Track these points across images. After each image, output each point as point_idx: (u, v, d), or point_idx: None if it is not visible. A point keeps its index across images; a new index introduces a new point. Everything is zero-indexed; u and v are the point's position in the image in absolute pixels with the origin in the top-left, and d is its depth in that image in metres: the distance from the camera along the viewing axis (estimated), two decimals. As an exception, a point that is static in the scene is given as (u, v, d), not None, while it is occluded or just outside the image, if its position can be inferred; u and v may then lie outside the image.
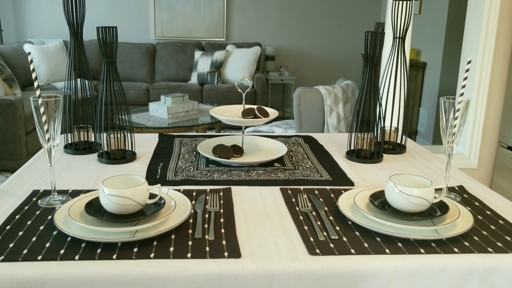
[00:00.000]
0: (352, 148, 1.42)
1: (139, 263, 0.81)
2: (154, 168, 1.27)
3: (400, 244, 0.88)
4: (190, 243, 0.87)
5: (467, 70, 1.06)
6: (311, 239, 0.90)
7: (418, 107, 4.89)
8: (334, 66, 5.99)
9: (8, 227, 0.92)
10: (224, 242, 0.88)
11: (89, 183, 1.17)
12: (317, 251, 0.85)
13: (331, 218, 1.00)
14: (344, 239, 0.90)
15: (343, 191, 1.14)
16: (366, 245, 0.88)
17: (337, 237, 0.91)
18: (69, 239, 0.87)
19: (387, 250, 0.86)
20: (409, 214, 0.94)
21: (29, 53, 1.01)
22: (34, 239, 0.88)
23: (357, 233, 0.93)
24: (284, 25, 5.82)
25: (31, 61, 1.02)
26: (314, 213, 1.02)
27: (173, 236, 0.90)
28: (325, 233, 0.92)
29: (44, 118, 1.00)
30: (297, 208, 1.04)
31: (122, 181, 0.96)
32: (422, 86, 4.78)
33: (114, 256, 0.82)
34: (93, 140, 1.44)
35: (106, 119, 1.30)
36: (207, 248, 0.85)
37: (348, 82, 3.40)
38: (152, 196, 0.96)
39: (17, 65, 4.70)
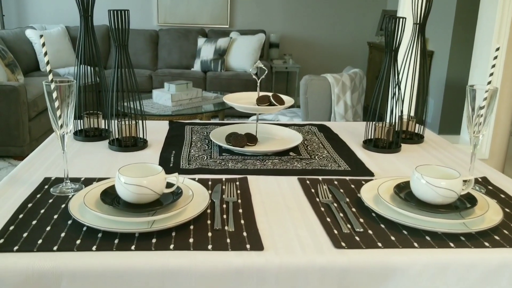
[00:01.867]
0: (370, 137, 1.39)
1: (159, 255, 0.78)
2: (167, 156, 1.24)
3: (428, 238, 0.85)
4: (209, 234, 0.84)
5: (495, 58, 1.02)
6: (335, 231, 0.87)
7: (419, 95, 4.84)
8: (339, 54, 5.93)
9: (20, 216, 0.89)
10: (245, 234, 0.85)
11: (101, 170, 1.13)
12: (343, 244, 0.82)
13: (353, 209, 0.96)
14: (370, 231, 0.87)
15: (363, 182, 1.10)
16: (393, 238, 0.85)
17: (362, 229, 0.87)
18: (85, 228, 0.84)
19: (415, 244, 0.83)
20: (435, 206, 0.91)
21: (41, 36, 0.97)
22: (48, 228, 0.84)
23: (382, 225, 0.90)
24: (289, 12, 5.75)
25: (44, 44, 0.98)
26: (335, 204, 0.98)
27: (191, 227, 0.86)
28: (349, 226, 0.89)
29: (57, 104, 0.96)
30: (317, 199, 1.01)
31: (138, 170, 0.93)
32: (429, 75, 4.72)
33: (133, 247, 0.79)
34: (103, 127, 1.40)
35: (117, 105, 1.26)
36: (228, 240, 0.82)
37: (356, 70, 3.36)
38: (169, 185, 0.92)
39: (19, 50, 4.64)
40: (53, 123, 0.98)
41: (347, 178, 1.13)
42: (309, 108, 3.16)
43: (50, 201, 0.96)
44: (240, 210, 0.94)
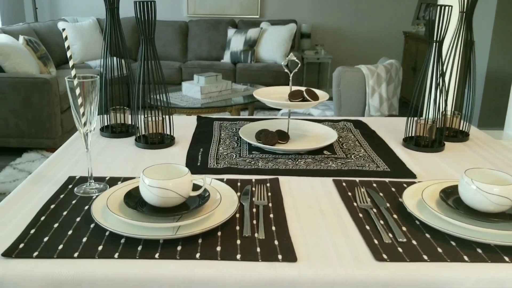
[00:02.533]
0: (410, 134, 1.30)
1: (183, 264, 0.72)
2: (194, 154, 1.18)
3: (479, 250, 0.77)
4: (238, 242, 0.78)
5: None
6: (375, 241, 0.79)
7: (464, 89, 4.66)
8: (373, 44, 5.76)
9: (42, 218, 0.85)
10: (276, 242, 0.78)
11: (127, 169, 1.09)
12: (384, 256, 0.75)
13: (394, 216, 0.89)
14: (414, 242, 0.79)
15: (405, 185, 1.02)
16: (440, 250, 0.77)
17: (405, 239, 0.80)
18: (107, 233, 0.80)
19: (465, 257, 0.75)
20: (486, 215, 0.83)
21: (63, 29, 0.93)
22: (70, 232, 0.80)
23: (427, 235, 0.82)
24: (321, 1, 5.61)
25: (66, 37, 0.93)
26: (374, 210, 0.91)
27: (219, 233, 0.81)
28: (390, 235, 0.82)
29: (80, 101, 0.92)
30: (355, 204, 0.93)
31: (163, 171, 0.88)
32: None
33: (157, 255, 0.74)
34: (129, 122, 1.36)
35: (143, 100, 1.21)
36: (258, 249, 0.76)
37: (391, 61, 3.23)
38: (195, 187, 0.87)
39: (52, 43, 4.69)
40: (76, 121, 0.94)
41: (387, 180, 1.05)
42: (342, 100, 3.06)
43: (74, 202, 0.92)
44: (271, 215, 0.88)
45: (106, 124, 1.34)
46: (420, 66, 4.96)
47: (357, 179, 1.05)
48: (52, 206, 0.90)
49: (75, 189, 0.97)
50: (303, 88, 1.25)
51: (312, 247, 0.78)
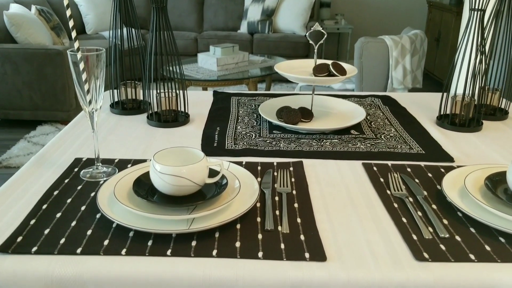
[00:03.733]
0: (445, 112, 1.19)
1: (199, 263, 0.64)
2: (210, 133, 1.09)
3: (536, 251, 0.67)
4: (260, 236, 0.70)
5: None
6: (414, 237, 0.70)
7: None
8: (395, 13, 5.54)
9: (44, 207, 0.77)
10: (302, 238, 0.70)
11: (138, 150, 1.00)
12: (426, 255, 0.66)
13: (434, 206, 0.79)
14: (457, 238, 0.70)
15: (442, 170, 0.92)
16: (488, 248, 0.68)
17: (447, 235, 0.71)
18: (114, 225, 0.72)
19: (520, 259, 0.65)
20: (542, 208, 0.73)
21: (65, -4, 0.83)
22: (73, 223, 0.73)
23: (472, 229, 0.72)
24: (341, -31, 5.38)
25: (68, 5, 0.84)
26: (410, 199, 0.82)
27: (238, 226, 0.72)
28: (430, 229, 0.72)
29: (84, 76, 0.83)
30: (388, 192, 0.84)
31: (176, 155, 0.79)
32: None
33: (169, 252, 0.66)
34: (141, 98, 1.27)
35: (155, 73, 1.12)
36: (282, 245, 0.68)
37: (416, 31, 3.07)
38: (212, 173, 0.78)
39: (65, 13, 4.58)
40: (80, 99, 0.85)
41: (422, 164, 0.95)
42: (364, 73, 2.93)
43: (79, 187, 0.84)
44: (296, 205, 0.79)
45: (116, 100, 1.26)
46: (445, 37, 4.75)
47: (389, 162, 0.96)
48: (56, 193, 0.82)
49: (81, 173, 0.89)
50: (329, 62, 1.15)
51: (343, 244, 0.69)
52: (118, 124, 1.16)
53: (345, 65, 1.15)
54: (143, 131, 1.11)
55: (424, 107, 1.32)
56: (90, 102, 0.85)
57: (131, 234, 0.70)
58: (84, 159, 0.95)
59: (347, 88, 3.14)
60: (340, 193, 0.84)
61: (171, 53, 1.11)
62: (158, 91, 1.13)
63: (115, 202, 0.74)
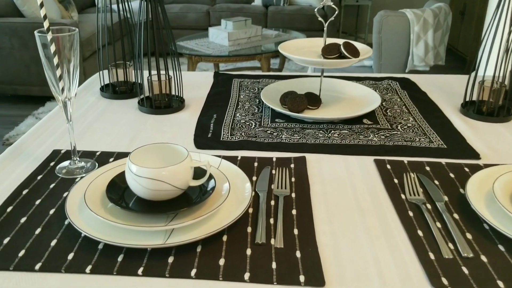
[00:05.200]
0: (471, 98, 1.06)
1: (173, 285, 0.55)
2: (206, 122, 0.99)
3: None
4: (248, 252, 0.60)
5: None
6: (431, 256, 0.59)
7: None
8: (417, -15, 5.27)
9: (9, 209, 0.68)
10: (298, 255, 0.59)
11: (123, 141, 0.91)
12: (444, 281, 0.55)
13: (455, 216, 0.68)
14: (483, 258, 0.59)
15: (466, 168, 0.81)
16: (521, 274, 0.57)
17: (471, 255, 0.59)
18: (83, 234, 0.62)
19: (561, 290, 0.54)
20: None
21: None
22: (38, 231, 0.64)
23: (501, 247, 0.61)
24: None
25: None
26: (428, 205, 0.70)
27: (225, 238, 0.62)
28: (451, 245, 0.61)
29: (55, 61, 0.72)
30: (403, 196, 0.73)
31: (156, 154, 0.69)
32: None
33: (140, 271, 0.57)
34: (134, 80, 1.17)
35: (146, 49, 1.01)
36: (274, 264, 0.58)
37: (440, 4, 2.88)
38: (198, 173, 0.68)
39: (75, -15, 4.47)
40: (52, 87, 0.75)
41: (443, 161, 0.83)
42: (383, 49, 2.76)
43: (52, 186, 0.75)
44: (294, 211, 0.68)
45: (107, 82, 1.16)
46: (470, 10, 4.50)
47: (405, 159, 0.84)
48: (25, 192, 0.73)
49: (57, 168, 0.80)
50: (340, 41, 1.02)
51: (347, 264, 0.58)
52: (107, 110, 1.06)
53: (358, 45, 1.02)
54: (133, 118, 1.01)
55: (447, 91, 1.19)
56: (63, 90, 0.75)
57: (100, 246, 0.61)
58: (63, 151, 0.86)
59: (365, 65, 2.98)
60: (347, 197, 0.73)
61: (166, 26, 0.99)
62: (150, 74, 1.02)
63: (85, 207, 0.65)
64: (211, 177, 0.68)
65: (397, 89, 1.19)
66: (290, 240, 0.62)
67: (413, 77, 1.28)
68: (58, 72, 0.73)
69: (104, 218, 0.60)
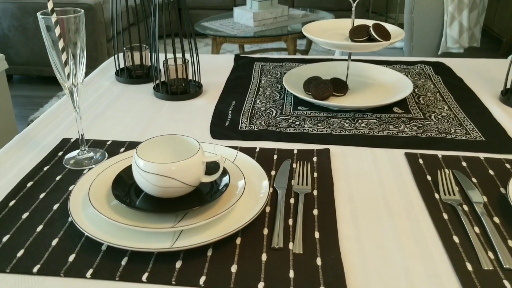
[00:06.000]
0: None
1: (181, 293, 0.50)
2: (223, 109, 0.93)
3: None
4: (264, 257, 0.54)
5: None
6: (469, 266, 0.53)
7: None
8: (452, -38, 5.03)
9: (11, 204, 0.64)
10: (319, 262, 0.54)
11: (136, 129, 0.86)
12: (485, 299, 0.49)
13: (496, 219, 0.61)
14: (529, 272, 0.52)
15: (507, 165, 0.73)
16: None
17: (515, 267, 0.53)
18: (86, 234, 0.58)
19: None
20: None
21: None
22: (39, 228, 0.60)
23: (550, 259, 0.54)
24: None
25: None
26: (465, 207, 0.63)
27: (238, 241, 0.57)
28: (491, 254, 0.54)
29: (60, 45, 0.67)
30: (437, 196, 0.66)
31: (165, 146, 0.64)
32: None
33: (144, 277, 0.52)
34: (150, 63, 1.11)
35: (161, 30, 0.95)
36: (291, 273, 0.52)
37: (477, -18, 2.72)
38: (211, 168, 0.63)
39: (100, -36, 4.43)
40: (56, 73, 0.70)
41: (481, 156, 0.76)
42: (415, 30, 2.64)
43: (58, 178, 0.71)
44: (315, 211, 0.62)
45: (122, 66, 1.11)
46: (509, -12, 4.27)
47: (439, 153, 0.77)
48: (29, 184, 0.69)
49: (64, 158, 0.75)
50: (369, 22, 0.94)
51: (373, 274, 0.52)
52: (121, 96, 1.01)
53: (389, 26, 0.94)
54: (147, 105, 0.96)
55: (486, 77, 1.09)
56: (68, 76, 0.70)
57: (103, 247, 0.56)
58: (72, 140, 0.82)
59: (395, 47, 2.86)
60: (374, 195, 0.66)
61: (183, 6, 0.93)
62: (166, 56, 0.97)
63: (89, 205, 0.60)
64: (225, 172, 0.63)
65: (430, 74, 1.10)
66: (310, 245, 0.56)
67: (447, 61, 1.18)
68: (63, 57, 0.68)
69: (107, 218, 0.56)
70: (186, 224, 0.55)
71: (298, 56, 1.23)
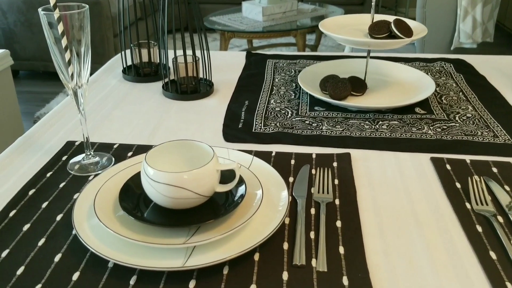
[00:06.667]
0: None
1: (195, 317, 0.46)
2: (236, 109, 0.88)
3: None
4: (285, 276, 0.50)
5: None
6: (509, 286, 0.48)
7: None
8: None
9: (12, 214, 0.60)
10: (345, 282, 0.49)
11: (145, 131, 0.81)
12: (532, 327, 0.44)
13: (536, 234, 0.56)
14: None
15: (544, 172, 0.68)
16: None
17: None
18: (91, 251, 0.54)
19: None
20: None
21: None
22: (42, 242, 0.55)
23: None
24: None
25: None
26: (500, 218, 0.58)
27: (256, 257, 0.52)
28: (534, 275, 0.50)
29: (64, 42, 0.63)
30: (468, 205, 0.61)
31: (177, 153, 0.59)
32: None
33: (156, 298, 0.47)
34: (158, 61, 1.07)
35: (169, 26, 0.91)
36: (316, 293, 0.48)
37: (492, -25, 2.65)
38: (226, 176, 0.58)
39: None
40: (60, 73, 0.66)
41: (513, 161, 0.71)
42: (427, 25, 2.57)
43: (62, 185, 0.66)
44: (339, 223, 0.58)
45: (129, 63, 1.06)
46: (522, -19, 4.18)
47: (467, 157, 0.72)
48: (31, 192, 0.65)
49: (69, 163, 0.71)
50: (390, 18, 0.89)
51: (404, 295, 0.48)
52: (128, 95, 0.96)
53: (411, 22, 0.89)
54: (156, 104, 0.92)
55: (509, 75, 1.04)
56: (72, 76, 0.65)
57: (110, 264, 0.52)
58: (77, 143, 0.77)
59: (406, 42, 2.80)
60: (401, 204, 0.61)
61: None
62: (175, 53, 0.92)
63: (95, 217, 0.56)
64: (241, 181, 0.58)
65: (451, 72, 1.05)
66: (335, 262, 0.52)
67: (468, 58, 1.13)
68: (67, 56, 0.64)
69: (115, 232, 0.51)
70: (199, 239, 0.51)
71: (312, 52, 1.18)
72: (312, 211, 0.60)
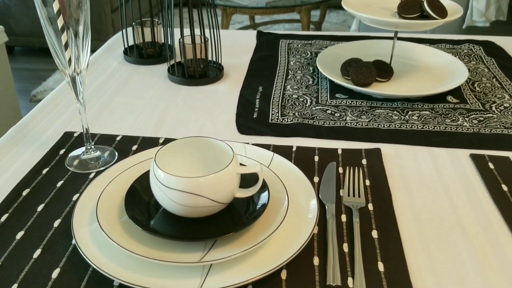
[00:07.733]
0: None
1: None
2: (249, 96, 0.80)
3: None
4: (318, 298, 0.43)
5: None
6: None
7: None
8: None
9: (3, 219, 0.53)
10: (389, 307, 0.42)
11: (150, 121, 0.74)
12: None
13: None
14: None
15: None
16: None
17: None
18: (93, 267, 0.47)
19: None
20: None
21: None
22: (37, 253, 0.48)
23: None
24: None
25: None
26: (559, 229, 0.51)
27: (283, 275, 0.46)
28: None
29: (60, 23, 0.55)
30: (520, 213, 0.54)
31: (191, 152, 0.52)
32: None
33: (170, 326, 0.41)
34: (163, 41, 0.98)
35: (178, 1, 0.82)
36: (356, 321, 0.41)
37: (508, -50, 2.53)
38: (246, 179, 0.51)
39: None
40: (55, 58, 0.58)
41: None
42: (439, 2, 2.47)
43: (60, 183, 0.59)
44: (375, 233, 0.51)
45: (131, 43, 0.98)
46: (534, -44, 4.04)
47: (511, 154, 0.64)
48: (25, 193, 0.57)
49: (67, 158, 0.64)
50: (420, -5, 0.80)
51: (458, 324, 0.41)
52: (130, 79, 0.88)
53: (445, 1, 0.80)
54: (161, 90, 0.84)
55: (545, 59, 0.96)
56: (70, 61, 0.57)
57: (116, 283, 0.45)
58: (76, 134, 0.70)
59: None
60: (442, 210, 0.54)
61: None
62: (182, 33, 0.84)
63: (99, 228, 0.49)
64: (264, 186, 0.51)
65: (481, 55, 0.97)
66: (374, 281, 0.45)
67: (497, 40, 1.05)
68: (64, 39, 0.56)
69: (122, 247, 0.44)
70: (217, 255, 0.44)
71: (329, 32, 1.09)
72: (343, 218, 0.53)
